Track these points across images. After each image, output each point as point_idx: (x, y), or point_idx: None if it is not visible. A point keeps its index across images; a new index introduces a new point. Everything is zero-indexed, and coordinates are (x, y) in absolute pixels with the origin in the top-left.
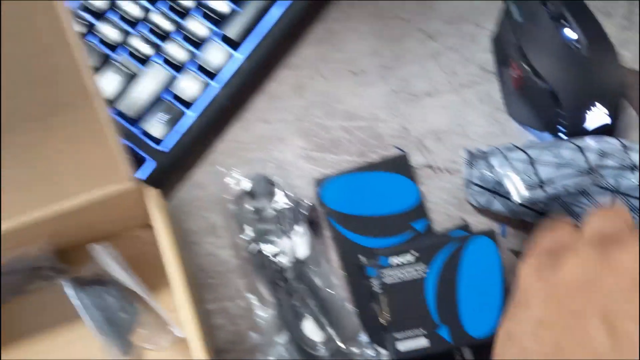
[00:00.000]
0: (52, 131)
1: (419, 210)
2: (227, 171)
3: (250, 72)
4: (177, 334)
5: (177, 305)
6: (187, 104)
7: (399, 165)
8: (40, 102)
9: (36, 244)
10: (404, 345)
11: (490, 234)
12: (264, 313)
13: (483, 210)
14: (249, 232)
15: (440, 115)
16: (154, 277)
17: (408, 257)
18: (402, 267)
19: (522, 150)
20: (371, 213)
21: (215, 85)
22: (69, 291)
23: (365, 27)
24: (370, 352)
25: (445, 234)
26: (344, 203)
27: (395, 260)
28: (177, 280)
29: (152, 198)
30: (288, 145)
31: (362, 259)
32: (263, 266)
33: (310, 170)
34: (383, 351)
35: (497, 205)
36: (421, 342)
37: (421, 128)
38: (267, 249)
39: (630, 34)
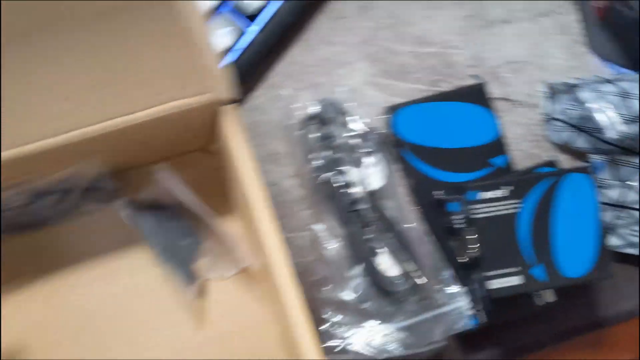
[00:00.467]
0: (122, 31)
1: (498, 145)
2: (291, 94)
3: None
4: (245, 263)
5: (260, 229)
6: (250, 18)
7: (477, 96)
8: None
9: (92, 162)
10: (495, 283)
11: (585, 170)
12: (333, 245)
13: (563, 147)
14: (317, 160)
15: (517, 45)
16: (215, 204)
17: (500, 192)
18: (492, 202)
19: (613, 83)
20: (447, 145)
21: None
22: (127, 215)
23: None
24: (453, 288)
25: (530, 170)
26: (418, 133)
27: (485, 194)
28: (261, 203)
29: (232, 114)
30: (353, 70)
31: (439, 193)
32: (333, 196)
33: (376, 98)
34: (462, 288)
35: (581, 141)
36: (514, 281)
37: (496, 57)
38: (338, 178)
39: None
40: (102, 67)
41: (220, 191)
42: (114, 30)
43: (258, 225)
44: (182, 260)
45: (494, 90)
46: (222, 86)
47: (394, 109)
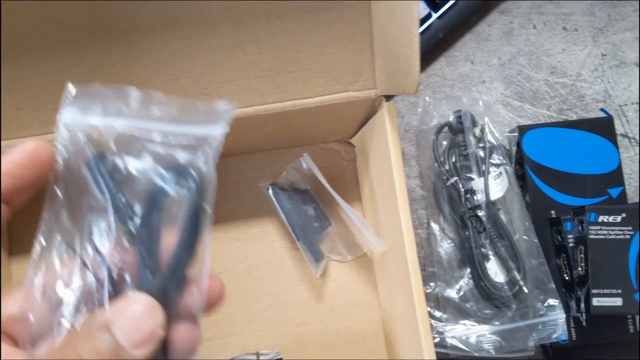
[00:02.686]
0: (317, 25)
1: (616, 177)
2: (429, 103)
3: (467, 8)
4: (365, 250)
5: (401, 219)
6: None
7: (603, 128)
8: None
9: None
10: (598, 301)
11: None
12: (446, 245)
13: None
14: (446, 165)
15: None
16: (345, 193)
17: (618, 218)
18: (609, 226)
19: None
20: (568, 170)
21: (434, 15)
22: (269, 192)
23: None
24: (552, 302)
25: None
26: (543, 155)
27: (604, 218)
28: (404, 195)
29: (391, 110)
30: (489, 89)
31: (553, 212)
32: (454, 200)
33: (506, 117)
34: (561, 303)
35: None
36: (616, 301)
37: (624, 96)
38: (463, 184)
39: None
40: (291, 56)
41: (350, 180)
42: (309, 23)
43: (399, 215)
44: (311, 240)
45: (617, 126)
46: (411, 83)
47: (524, 129)
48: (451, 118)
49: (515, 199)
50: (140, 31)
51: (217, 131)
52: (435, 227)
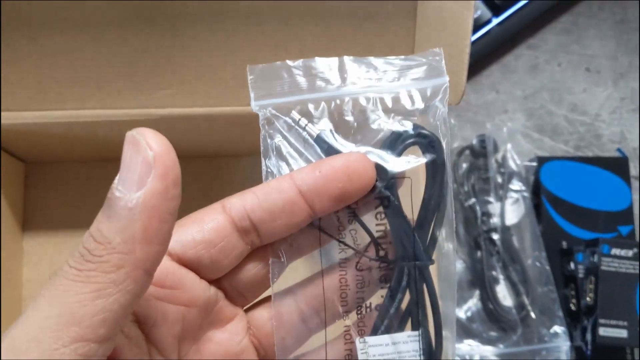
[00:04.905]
0: (359, 33)
1: (628, 216)
2: (452, 124)
3: (497, 39)
4: None
5: None
6: None
7: (619, 167)
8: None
9: None
10: (604, 331)
11: None
12: (458, 265)
13: None
14: (465, 186)
15: None
16: None
17: (630, 252)
18: (620, 259)
19: None
20: (582, 204)
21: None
22: None
23: (610, 31)
24: (558, 329)
25: None
26: (560, 187)
27: (616, 251)
28: None
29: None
30: (511, 119)
31: (565, 243)
32: (470, 221)
33: (524, 147)
34: (566, 332)
35: None
36: (621, 333)
37: (639, 140)
38: (481, 206)
39: None
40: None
41: None
42: (351, 30)
43: None
44: None
45: (631, 168)
46: (456, 93)
47: (543, 160)
48: (474, 141)
49: (529, 227)
50: (188, 19)
51: (440, 82)
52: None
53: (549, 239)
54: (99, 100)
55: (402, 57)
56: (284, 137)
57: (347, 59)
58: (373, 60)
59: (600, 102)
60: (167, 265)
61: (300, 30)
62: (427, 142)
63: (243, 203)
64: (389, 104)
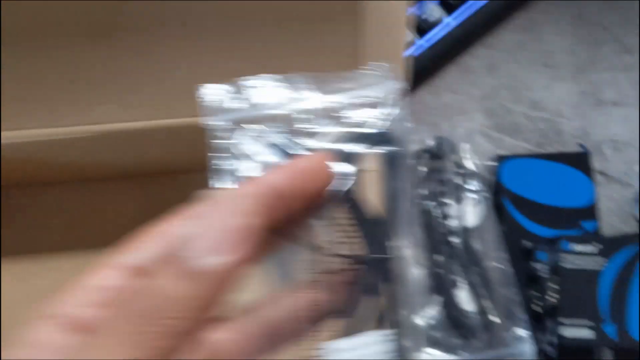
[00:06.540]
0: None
1: (591, 212)
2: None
3: (453, 40)
4: None
5: None
6: None
7: (581, 163)
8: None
9: None
10: (568, 332)
11: None
12: (416, 270)
13: None
14: (422, 189)
15: (623, 127)
16: None
17: (590, 248)
18: (581, 255)
19: None
20: (544, 201)
21: (423, 44)
22: None
23: (567, 26)
24: (522, 332)
25: (621, 237)
26: (521, 185)
27: (577, 247)
28: None
29: None
30: (469, 119)
31: (527, 242)
32: (428, 225)
33: (484, 147)
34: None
35: None
36: (585, 333)
37: (601, 134)
38: (438, 209)
39: None
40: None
41: None
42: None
43: None
44: None
45: (594, 163)
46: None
47: (502, 158)
48: (430, 143)
49: (490, 227)
50: (127, 29)
51: (390, 87)
52: (407, 252)
53: (512, 238)
54: (38, 119)
55: (350, 71)
56: (238, 144)
57: (295, 74)
58: (321, 74)
59: (560, 97)
60: None
61: (242, 37)
62: (384, 139)
63: None
64: (344, 111)
